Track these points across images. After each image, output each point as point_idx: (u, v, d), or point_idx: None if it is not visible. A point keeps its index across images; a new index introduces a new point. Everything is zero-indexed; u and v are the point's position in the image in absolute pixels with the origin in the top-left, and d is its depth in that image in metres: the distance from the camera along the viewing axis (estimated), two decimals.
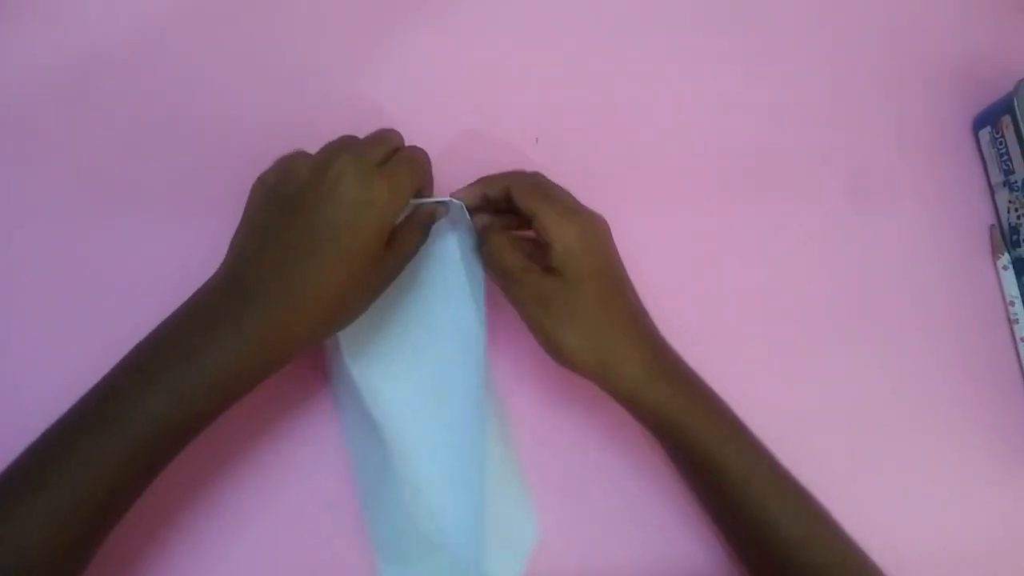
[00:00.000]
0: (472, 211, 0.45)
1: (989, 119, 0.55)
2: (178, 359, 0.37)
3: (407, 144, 0.45)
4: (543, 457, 0.48)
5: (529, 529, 0.46)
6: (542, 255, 0.43)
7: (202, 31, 0.53)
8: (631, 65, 0.55)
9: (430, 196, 0.45)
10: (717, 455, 0.42)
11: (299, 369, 0.47)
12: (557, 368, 0.43)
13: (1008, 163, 0.54)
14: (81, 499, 0.35)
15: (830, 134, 0.55)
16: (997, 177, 0.55)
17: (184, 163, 0.50)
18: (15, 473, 0.36)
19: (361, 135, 0.43)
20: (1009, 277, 0.54)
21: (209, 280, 0.40)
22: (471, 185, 0.45)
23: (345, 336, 0.43)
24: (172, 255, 0.47)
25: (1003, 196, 0.55)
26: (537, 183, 0.44)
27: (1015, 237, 0.54)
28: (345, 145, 0.41)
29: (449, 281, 0.47)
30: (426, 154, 0.45)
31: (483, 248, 0.45)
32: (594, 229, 0.44)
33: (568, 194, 0.45)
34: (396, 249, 0.42)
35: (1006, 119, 0.53)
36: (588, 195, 0.46)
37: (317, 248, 0.39)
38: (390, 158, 0.42)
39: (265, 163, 0.43)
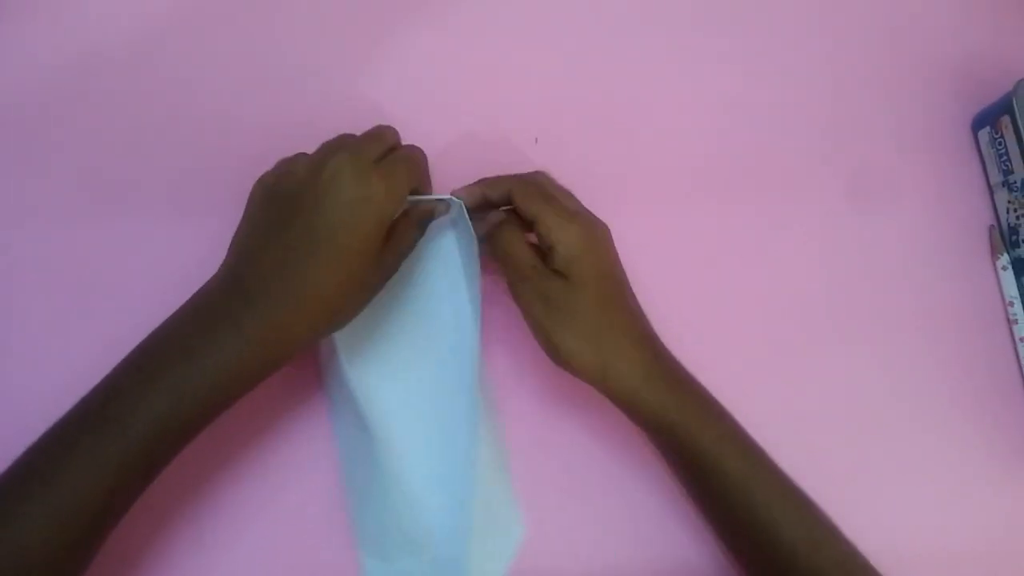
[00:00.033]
0: (470, 211, 0.45)
1: (988, 119, 0.55)
2: (179, 359, 0.37)
3: (406, 143, 0.45)
4: (543, 457, 0.48)
5: (515, 531, 0.46)
6: (544, 259, 0.43)
7: (202, 31, 0.53)
8: (631, 65, 0.55)
9: (427, 194, 0.45)
10: (716, 458, 0.42)
11: (299, 369, 0.47)
12: (557, 368, 0.43)
13: (1007, 163, 0.54)
14: (82, 499, 0.35)
15: (830, 134, 0.55)
16: (996, 177, 0.55)
17: (184, 163, 0.50)
18: (16, 474, 0.36)
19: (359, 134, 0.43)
20: (1008, 277, 0.54)
21: (209, 281, 0.40)
22: (472, 185, 0.45)
23: (340, 334, 0.43)
24: (172, 255, 0.48)
25: (1002, 196, 0.55)
26: (539, 186, 0.44)
27: (1014, 237, 0.54)
28: (341, 144, 0.42)
29: (446, 280, 0.48)
30: (423, 153, 0.45)
31: (495, 242, 0.45)
32: (595, 233, 0.44)
33: (571, 196, 0.45)
34: (393, 246, 0.42)
35: (1005, 119, 0.53)
36: (588, 195, 0.46)
37: (316, 248, 0.39)
38: (387, 156, 0.42)
39: (265, 163, 0.44)
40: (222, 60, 0.52)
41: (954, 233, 0.55)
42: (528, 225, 0.44)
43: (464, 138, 0.52)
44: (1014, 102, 0.52)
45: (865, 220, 0.54)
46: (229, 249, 0.41)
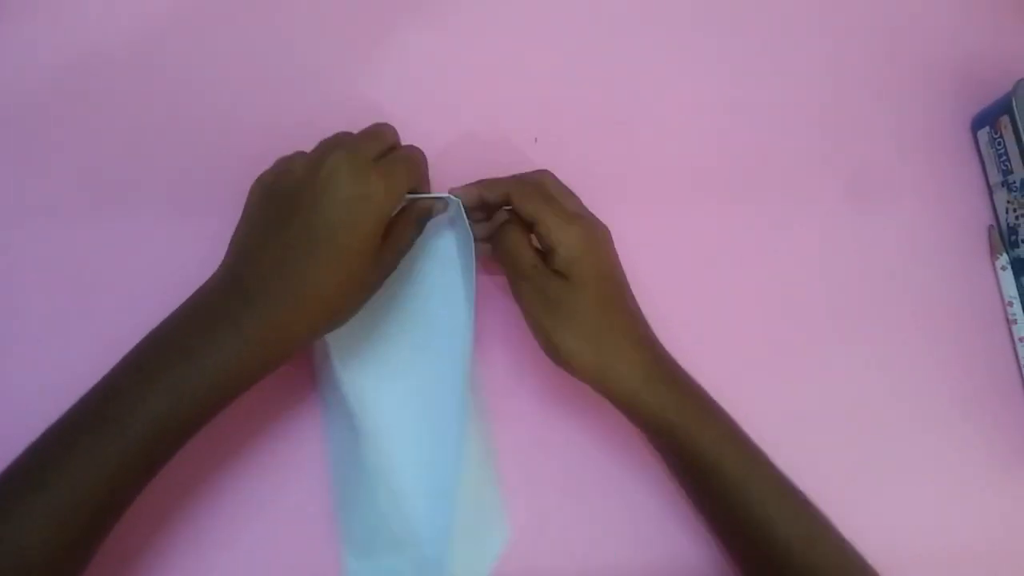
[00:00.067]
0: (467, 212, 0.45)
1: (988, 119, 0.55)
2: (178, 359, 0.37)
3: (406, 143, 0.45)
4: (542, 457, 0.48)
5: (500, 534, 0.46)
6: (545, 260, 0.43)
7: (202, 31, 0.53)
8: (631, 65, 0.55)
9: (425, 193, 0.45)
10: (715, 457, 0.42)
11: (298, 367, 0.47)
12: (557, 369, 0.43)
13: (1007, 163, 0.54)
14: (81, 499, 0.35)
15: (830, 134, 0.55)
16: (995, 177, 0.55)
17: (184, 163, 0.50)
18: (15, 473, 0.36)
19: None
20: (1007, 277, 0.54)
21: (209, 280, 0.40)
22: (469, 185, 0.45)
23: (334, 332, 0.43)
24: (172, 255, 0.47)
25: (1001, 196, 0.55)
26: (538, 186, 0.44)
27: (1013, 237, 0.54)
28: (339, 142, 0.42)
29: (443, 280, 0.48)
30: (423, 153, 0.45)
31: (496, 241, 0.45)
32: (596, 234, 0.44)
33: (572, 197, 0.45)
34: (391, 244, 0.42)
35: (1004, 119, 0.53)
36: (588, 195, 0.46)
37: (315, 247, 0.39)
38: (386, 154, 0.42)
39: (265, 163, 0.44)
40: (222, 60, 0.52)
41: (953, 233, 0.55)
42: (528, 226, 0.44)
43: (464, 138, 0.52)
44: (1013, 102, 0.52)
45: (865, 220, 0.54)
46: (228, 248, 0.41)
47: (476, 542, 0.45)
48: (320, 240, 0.39)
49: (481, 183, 0.45)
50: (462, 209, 0.45)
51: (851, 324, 0.52)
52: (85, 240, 0.48)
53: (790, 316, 0.52)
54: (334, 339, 0.43)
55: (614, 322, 0.43)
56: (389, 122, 0.45)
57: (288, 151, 0.44)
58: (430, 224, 0.46)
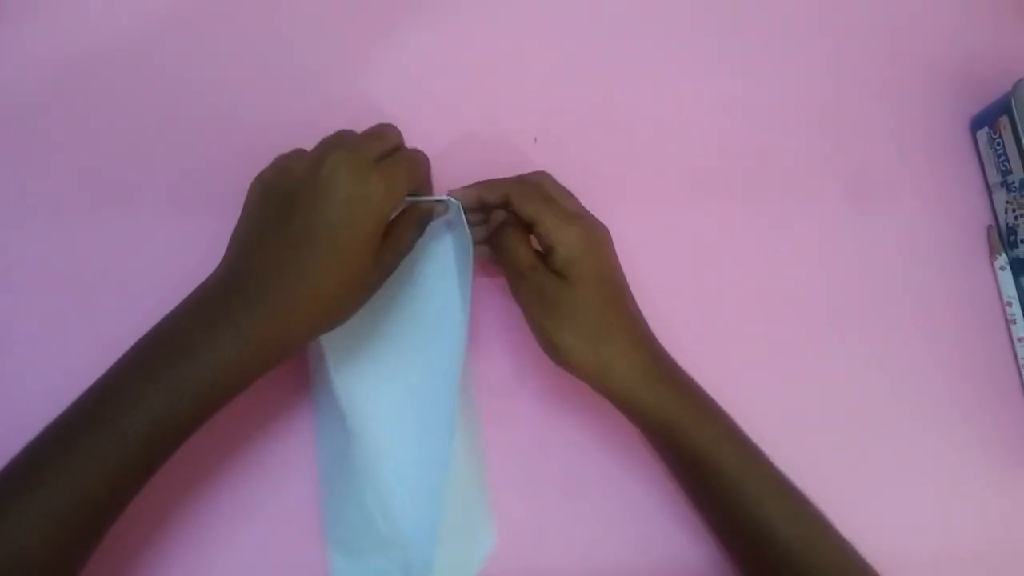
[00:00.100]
0: (466, 212, 0.45)
1: (987, 120, 0.55)
2: (177, 358, 0.37)
3: (407, 145, 0.45)
4: (543, 457, 0.48)
5: (486, 539, 0.46)
6: (544, 260, 0.43)
7: (202, 31, 0.53)
8: (631, 65, 0.55)
9: (426, 195, 0.45)
10: (713, 456, 0.42)
11: (298, 365, 0.47)
12: (557, 370, 0.43)
13: (1006, 164, 0.54)
14: (80, 498, 0.35)
15: (830, 134, 0.55)
16: (995, 178, 0.55)
17: (184, 163, 0.50)
18: (14, 471, 0.36)
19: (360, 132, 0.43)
20: (1006, 277, 0.54)
21: (208, 278, 0.40)
22: (469, 186, 0.45)
23: (329, 333, 0.43)
24: (172, 255, 0.47)
25: (1000, 197, 0.55)
26: (538, 187, 0.44)
27: (1012, 237, 0.54)
28: (339, 141, 0.41)
29: (441, 283, 0.48)
30: (426, 157, 0.45)
31: (495, 241, 0.45)
32: (595, 234, 0.44)
33: (571, 197, 0.45)
34: (392, 245, 0.42)
35: (1004, 120, 0.53)
36: (588, 195, 0.46)
37: (315, 247, 0.39)
38: (388, 155, 0.42)
39: (265, 163, 0.43)
40: (222, 60, 0.52)
41: (953, 233, 0.55)
42: (527, 227, 0.44)
43: (464, 138, 0.52)
44: (1012, 103, 0.52)
45: (865, 220, 0.54)
46: (228, 247, 0.41)
47: (463, 545, 0.45)
48: (320, 240, 0.39)
49: (480, 184, 0.45)
50: (461, 212, 0.45)
51: (851, 324, 0.53)
52: (85, 240, 0.48)
53: (790, 316, 0.52)
54: (328, 340, 0.43)
55: (613, 322, 0.43)
56: (389, 122, 0.45)
57: (288, 150, 0.44)
58: (430, 226, 0.46)
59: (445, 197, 0.45)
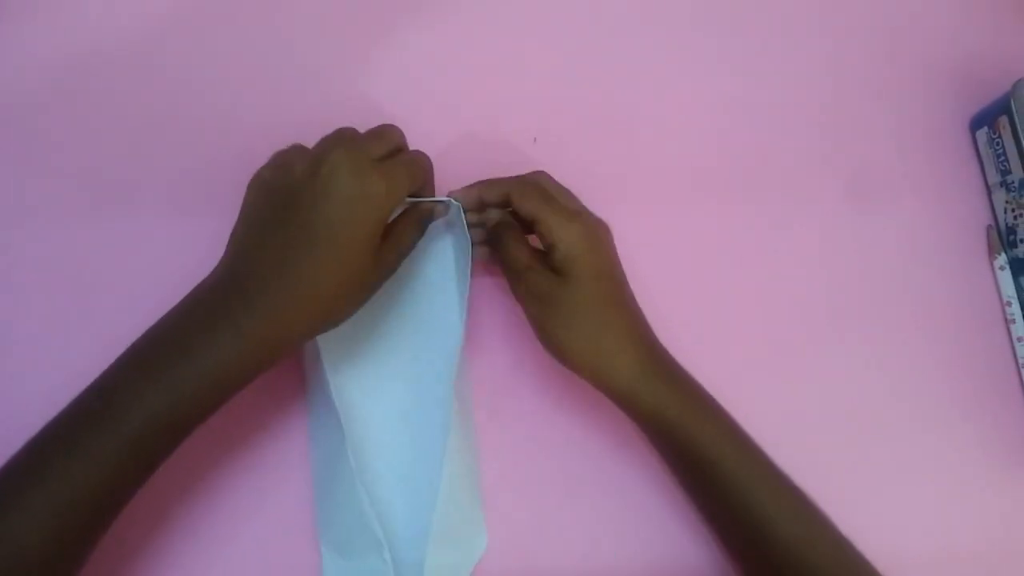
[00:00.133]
0: (466, 213, 0.45)
1: (986, 119, 0.55)
2: (177, 357, 0.37)
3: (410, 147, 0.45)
4: (542, 457, 0.48)
5: (478, 540, 0.46)
6: (544, 260, 0.43)
7: (202, 31, 0.53)
8: (631, 65, 0.55)
9: (426, 197, 0.45)
10: (713, 454, 0.42)
11: (299, 363, 0.47)
12: (557, 369, 0.43)
13: (1005, 163, 0.54)
14: (79, 496, 0.35)
15: (830, 134, 0.55)
16: (994, 177, 0.55)
17: (184, 163, 0.50)
18: (13, 469, 0.36)
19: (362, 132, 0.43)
20: (1006, 277, 0.54)
21: (207, 278, 0.40)
22: (468, 187, 0.45)
23: (326, 333, 0.43)
24: (172, 255, 0.47)
25: (1000, 196, 0.55)
26: (538, 186, 0.44)
27: (1012, 237, 0.54)
28: (340, 139, 0.41)
29: (438, 284, 0.48)
30: (428, 159, 0.45)
31: (493, 241, 0.45)
32: (597, 232, 0.44)
33: (571, 195, 0.45)
34: (393, 245, 0.42)
35: (1003, 120, 0.53)
36: (588, 195, 0.46)
37: (315, 247, 0.39)
38: (390, 156, 0.42)
39: (265, 163, 0.44)
40: (222, 60, 0.52)
41: (952, 233, 0.55)
42: (528, 226, 0.44)
43: (464, 138, 0.52)
44: (1012, 103, 0.52)
45: (865, 220, 0.54)
46: (227, 245, 0.41)
47: (455, 547, 0.45)
48: (320, 239, 0.39)
49: (480, 184, 0.45)
50: (461, 213, 0.45)
51: (851, 324, 0.53)
52: (85, 240, 0.48)
53: (790, 316, 0.52)
54: (325, 339, 0.43)
55: (613, 319, 0.43)
56: (389, 122, 0.45)
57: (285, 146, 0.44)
58: (430, 227, 0.46)
59: (446, 198, 0.45)
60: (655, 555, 0.48)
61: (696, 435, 0.42)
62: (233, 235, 0.41)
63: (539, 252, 0.45)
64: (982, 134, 0.56)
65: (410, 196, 0.43)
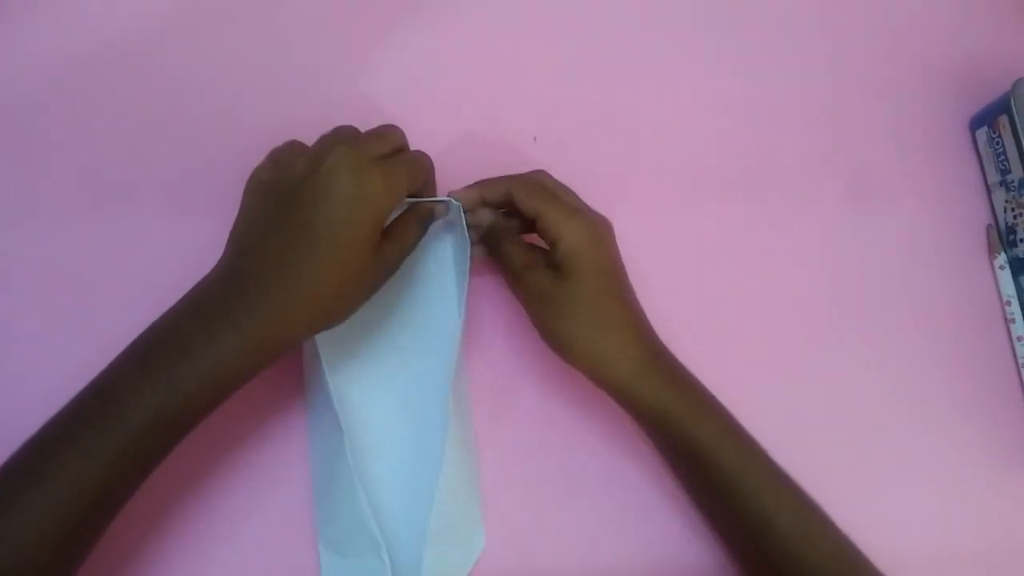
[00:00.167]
0: (467, 212, 0.45)
1: (986, 119, 0.55)
2: (177, 356, 0.37)
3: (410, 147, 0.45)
4: (543, 456, 0.48)
5: (476, 540, 0.46)
6: (545, 256, 0.43)
7: (202, 31, 0.53)
8: (631, 65, 0.55)
9: (426, 197, 0.45)
10: (712, 450, 0.42)
11: (299, 361, 0.47)
12: (557, 368, 0.43)
13: (1005, 163, 0.54)
14: (79, 494, 0.35)
15: (830, 134, 0.56)
16: (994, 177, 0.55)
17: (184, 163, 0.50)
18: (13, 468, 0.36)
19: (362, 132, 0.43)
20: (1005, 277, 0.54)
21: (207, 276, 0.40)
22: (469, 187, 0.45)
23: (326, 332, 0.43)
24: (172, 255, 0.47)
25: (999, 196, 0.55)
26: (539, 183, 0.44)
27: (1011, 237, 0.54)
28: (340, 138, 0.41)
29: (439, 285, 0.48)
30: (429, 159, 0.45)
31: (491, 240, 0.45)
32: (599, 228, 0.44)
33: (571, 193, 0.45)
34: (394, 244, 0.42)
35: (1003, 119, 0.53)
36: (588, 195, 0.46)
37: (315, 246, 0.39)
38: (391, 155, 0.42)
39: (261, 161, 0.44)
40: (222, 60, 0.52)
41: (952, 232, 0.55)
42: (528, 224, 0.44)
43: (464, 138, 0.52)
44: (1012, 102, 0.52)
45: (865, 220, 0.54)
46: (227, 244, 0.41)
47: (453, 547, 0.45)
48: (320, 239, 0.39)
49: (480, 184, 0.45)
50: (461, 213, 0.45)
51: (851, 324, 0.53)
52: (85, 240, 0.48)
53: (790, 316, 0.52)
54: (323, 338, 0.43)
55: (613, 315, 0.43)
56: (389, 122, 0.45)
57: (281, 143, 0.44)
58: (432, 227, 0.46)
59: (446, 198, 0.45)
60: (655, 555, 0.48)
61: (696, 432, 0.42)
62: (232, 234, 0.41)
63: (537, 250, 0.45)
64: (982, 134, 0.56)
65: (411, 196, 0.43)
